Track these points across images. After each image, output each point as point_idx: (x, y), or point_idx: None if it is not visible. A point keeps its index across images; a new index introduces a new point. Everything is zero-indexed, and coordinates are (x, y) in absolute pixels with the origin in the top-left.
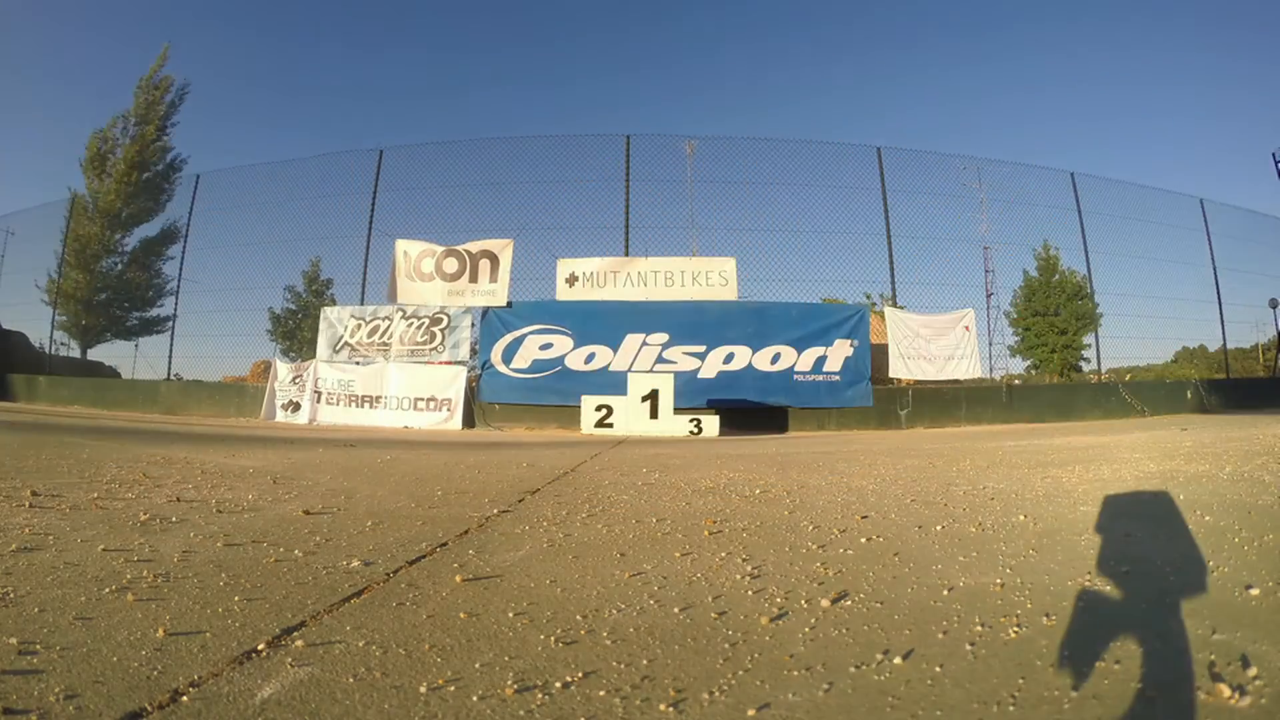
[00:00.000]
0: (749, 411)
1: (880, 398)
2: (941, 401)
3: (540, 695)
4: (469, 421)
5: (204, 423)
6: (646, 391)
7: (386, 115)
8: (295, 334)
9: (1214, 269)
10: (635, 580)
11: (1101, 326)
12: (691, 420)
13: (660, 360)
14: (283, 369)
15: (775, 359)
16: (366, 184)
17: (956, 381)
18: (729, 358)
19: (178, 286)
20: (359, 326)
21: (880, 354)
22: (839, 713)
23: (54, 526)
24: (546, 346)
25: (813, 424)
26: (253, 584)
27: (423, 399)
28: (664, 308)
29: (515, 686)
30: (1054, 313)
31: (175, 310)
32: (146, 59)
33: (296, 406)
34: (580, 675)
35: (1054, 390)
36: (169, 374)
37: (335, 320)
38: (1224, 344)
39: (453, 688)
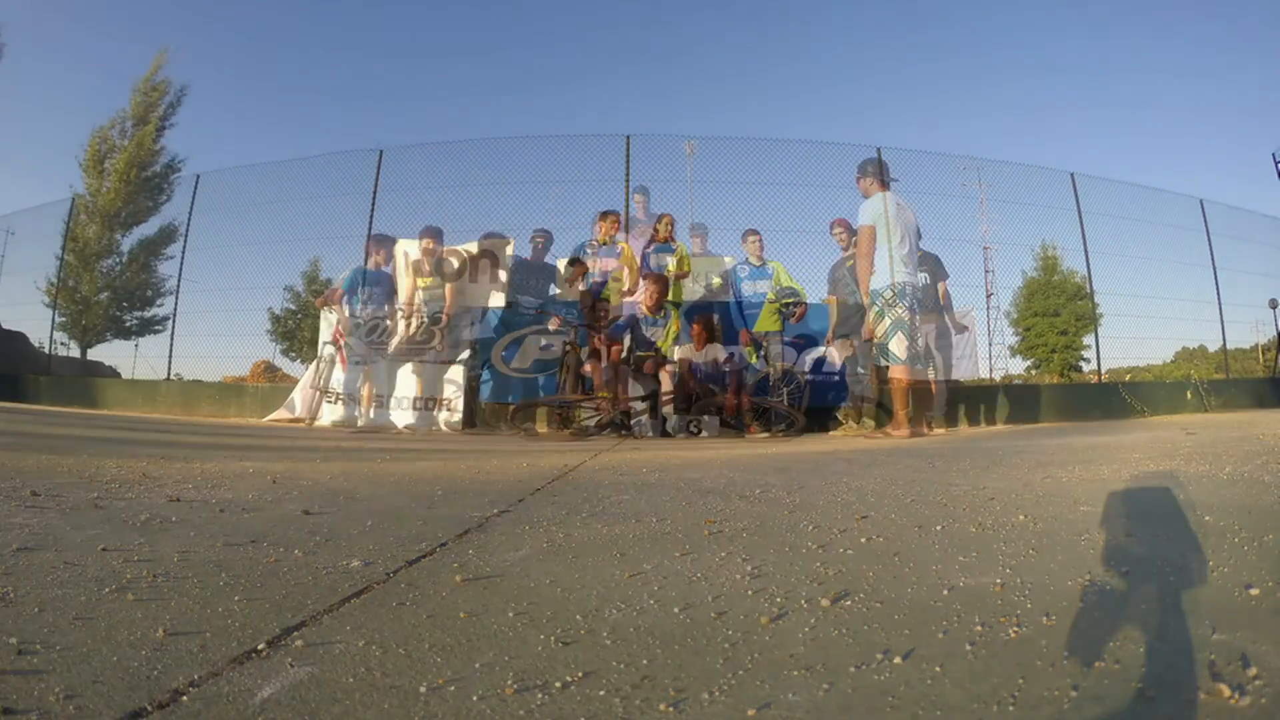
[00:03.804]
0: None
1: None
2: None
3: (540, 695)
4: (469, 421)
5: (204, 423)
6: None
7: (386, 115)
8: (295, 334)
9: (1214, 269)
10: (635, 580)
11: (1102, 326)
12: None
13: None
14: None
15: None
16: (366, 184)
17: (957, 381)
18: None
19: (177, 286)
20: (358, 326)
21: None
22: (839, 713)
23: (54, 526)
24: (547, 347)
25: (816, 424)
26: (253, 584)
27: (422, 399)
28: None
29: (515, 686)
30: (1054, 313)
31: (175, 310)
32: (149, 57)
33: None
34: (580, 675)
35: (1054, 390)
36: (169, 374)
37: (335, 319)
38: (1224, 344)
39: (453, 688)
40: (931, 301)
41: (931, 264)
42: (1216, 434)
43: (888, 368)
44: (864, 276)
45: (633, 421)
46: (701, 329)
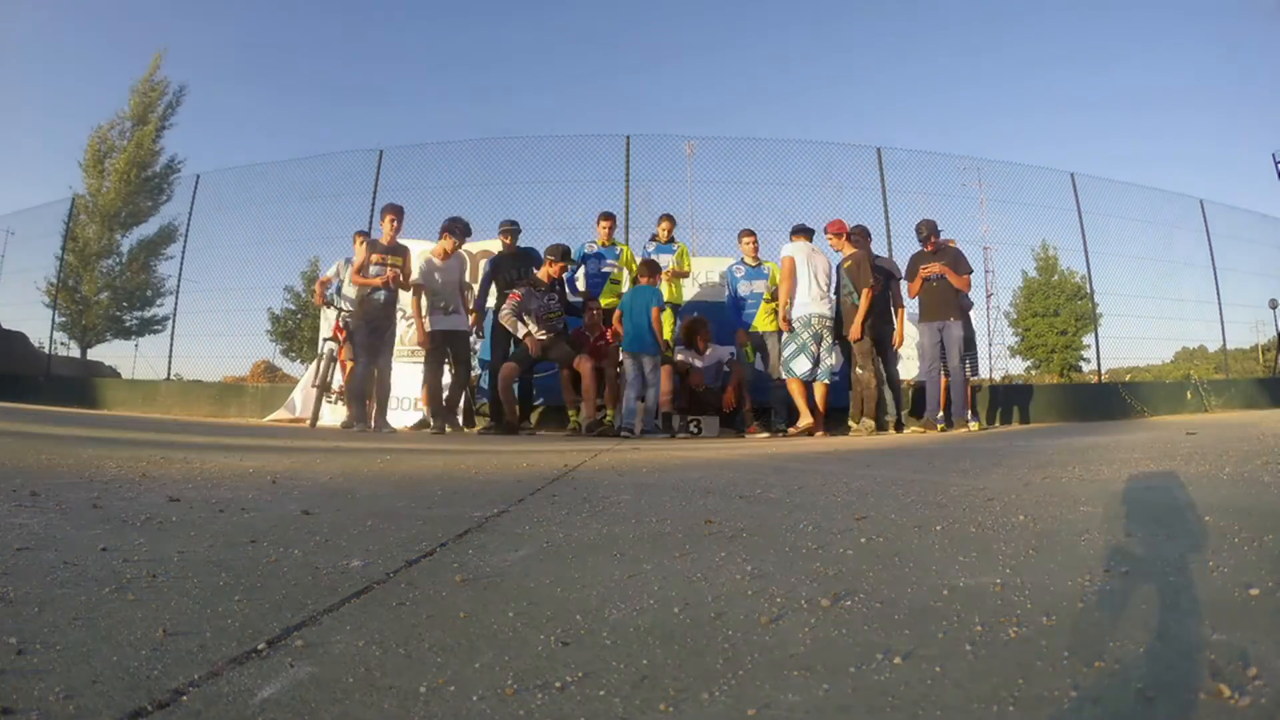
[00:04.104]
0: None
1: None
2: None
3: (540, 695)
4: (470, 421)
5: (204, 423)
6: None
7: (387, 115)
8: (295, 334)
9: (1214, 269)
10: (635, 580)
11: (1101, 326)
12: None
13: None
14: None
15: None
16: (366, 184)
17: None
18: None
19: (177, 286)
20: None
21: None
22: (839, 713)
23: (54, 526)
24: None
25: None
26: (252, 584)
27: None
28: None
29: (515, 686)
30: (1054, 313)
31: (175, 310)
32: (149, 57)
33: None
34: (580, 675)
35: (1054, 390)
36: (169, 374)
37: (334, 315)
38: (1224, 344)
39: (453, 688)
40: (953, 300)
41: (950, 257)
42: (1216, 434)
43: (862, 373)
44: (784, 300)
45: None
46: (700, 332)
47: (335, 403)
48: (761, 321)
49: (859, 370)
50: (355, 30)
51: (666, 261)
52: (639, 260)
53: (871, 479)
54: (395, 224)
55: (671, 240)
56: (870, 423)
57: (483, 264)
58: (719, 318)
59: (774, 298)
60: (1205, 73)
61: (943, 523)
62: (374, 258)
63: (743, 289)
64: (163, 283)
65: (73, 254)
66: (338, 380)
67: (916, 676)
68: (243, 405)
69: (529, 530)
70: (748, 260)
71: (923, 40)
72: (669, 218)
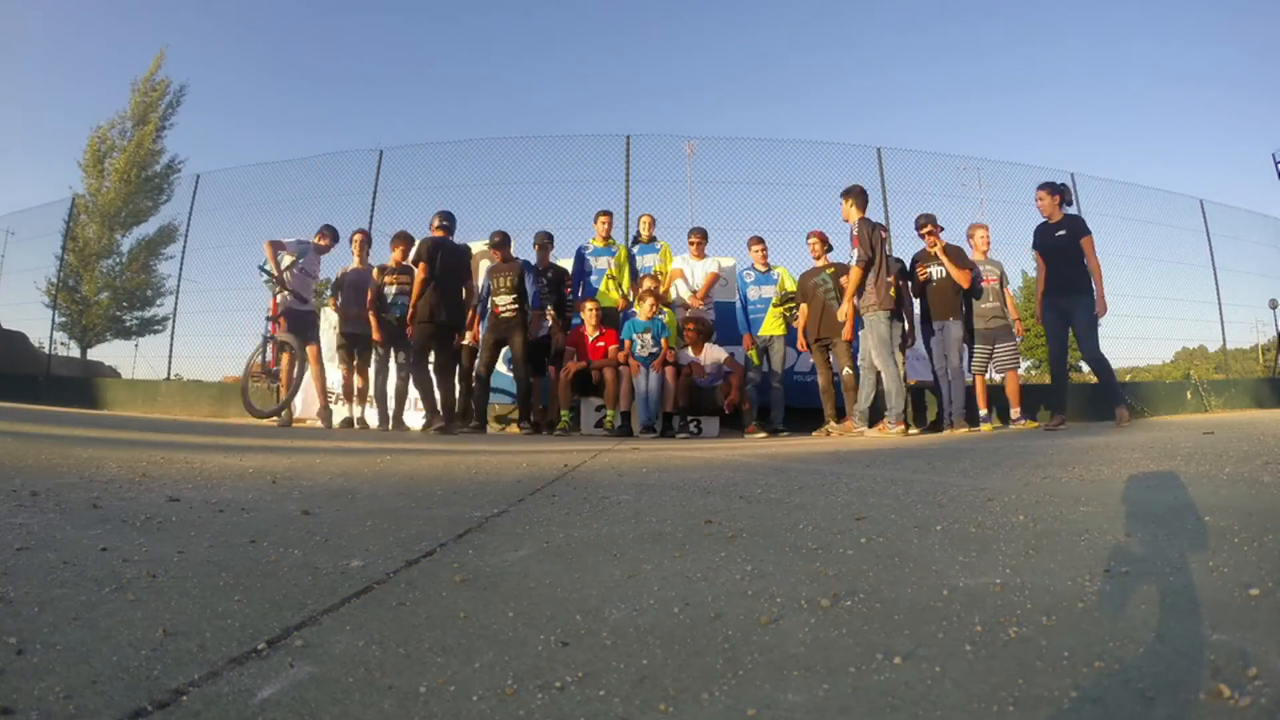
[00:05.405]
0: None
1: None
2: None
3: (540, 695)
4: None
5: (204, 422)
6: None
7: (387, 115)
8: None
9: (1214, 269)
10: (634, 580)
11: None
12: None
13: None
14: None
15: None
16: (366, 184)
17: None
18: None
19: (178, 286)
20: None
21: None
22: (839, 713)
23: (54, 526)
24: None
25: (813, 424)
26: (252, 584)
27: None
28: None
29: (515, 686)
30: None
31: (175, 310)
32: (148, 57)
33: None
34: (580, 675)
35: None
36: (169, 374)
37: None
38: (1224, 344)
39: (452, 688)
40: (952, 300)
41: (955, 255)
42: (1216, 435)
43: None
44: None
45: (646, 422)
46: (696, 331)
47: (337, 403)
48: (769, 326)
49: (846, 370)
50: (354, 30)
51: (651, 261)
52: (633, 290)
53: (871, 479)
54: (404, 250)
55: (654, 239)
56: (849, 421)
57: (483, 269)
58: (726, 318)
59: (782, 302)
60: (1205, 73)
61: (943, 523)
62: (387, 279)
63: (752, 294)
64: (163, 283)
65: (73, 254)
66: (334, 379)
67: (916, 676)
68: (243, 405)
69: (529, 530)
70: (758, 266)
71: (923, 40)
72: (649, 216)
